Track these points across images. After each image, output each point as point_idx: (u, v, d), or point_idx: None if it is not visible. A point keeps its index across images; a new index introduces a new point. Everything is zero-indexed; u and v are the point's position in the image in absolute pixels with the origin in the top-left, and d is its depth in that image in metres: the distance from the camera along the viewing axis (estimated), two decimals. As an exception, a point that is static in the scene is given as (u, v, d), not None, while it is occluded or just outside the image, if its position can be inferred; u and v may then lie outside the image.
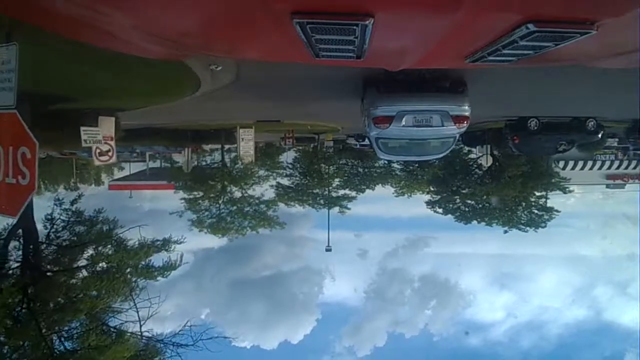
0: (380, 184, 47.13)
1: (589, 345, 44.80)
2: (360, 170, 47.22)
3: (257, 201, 31.91)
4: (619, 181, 57.09)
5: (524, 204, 37.31)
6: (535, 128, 22.36)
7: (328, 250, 39.70)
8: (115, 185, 49.89)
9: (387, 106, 9.22)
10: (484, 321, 47.87)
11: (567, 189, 38.49)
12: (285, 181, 40.18)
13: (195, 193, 30.14)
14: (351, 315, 55.25)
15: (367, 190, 42.98)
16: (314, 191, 39.09)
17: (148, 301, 13.79)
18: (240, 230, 31.16)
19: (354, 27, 2.48)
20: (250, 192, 32.26)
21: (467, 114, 9.32)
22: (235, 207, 31.18)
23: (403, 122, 9.30)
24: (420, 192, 48.85)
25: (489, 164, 32.33)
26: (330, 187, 40.20)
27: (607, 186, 58.59)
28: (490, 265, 49.83)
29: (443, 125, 9.28)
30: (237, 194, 31.61)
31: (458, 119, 9.25)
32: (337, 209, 39.11)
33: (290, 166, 42.47)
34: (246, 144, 28.87)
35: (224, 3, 2.59)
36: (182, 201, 30.61)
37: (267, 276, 51.39)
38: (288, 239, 50.56)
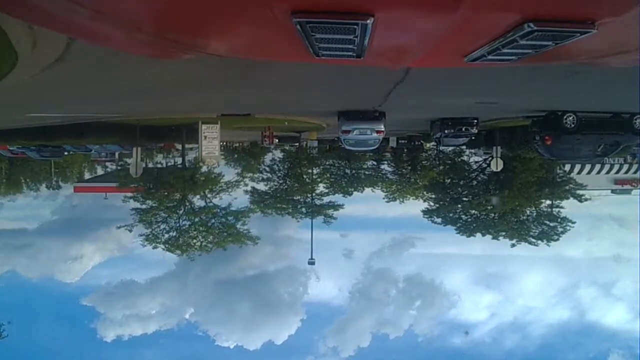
0: (369, 187, 45.03)
1: (573, 346, 43.70)
2: (348, 171, 45.25)
3: (224, 211, 26.72)
4: (627, 186, 53.17)
5: (535, 214, 32.60)
6: (572, 126, 17.48)
7: (311, 263, 35.44)
8: (80, 188, 45.99)
9: (347, 126, 17.54)
10: (469, 321, 46.90)
11: (583, 197, 33.85)
12: (262, 186, 35.03)
13: (149, 202, 24.95)
14: (336, 316, 54.66)
15: (355, 193, 41.89)
16: (295, 198, 33.91)
17: None
18: (205, 247, 26.01)
19: (354, 27, 2.40)
20: (217, 200, 27.09)
21: (382, 129, 17.27)
22: (198, 219, 25.97)
23: (354, 133, 17.61)
24: (414, 197, 44.88)
25: (499, 169, 27.53)
26: (314, 193, 35.11)
27: (613, 191, 54.86)
28: (475, 266, 49.33)
29: (371, 134, 17.47)
30: (201, 203, 26.48)
31: (378, 132, 17.37)
32: (321, 218, 33.97)
33: (267, 169, 37.26)
34: (210, 143, 23.80)
35: (222, 2, 2.45)
36: (133, 212, 25.43)
37: (251, 276, 49.85)
38: (264, 252, 47.79)
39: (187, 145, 26.64)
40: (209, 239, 25.94)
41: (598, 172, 50.59)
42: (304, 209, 33.88)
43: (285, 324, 45.86)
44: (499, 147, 27.87)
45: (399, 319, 48.89)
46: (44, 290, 48.86)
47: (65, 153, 36.72)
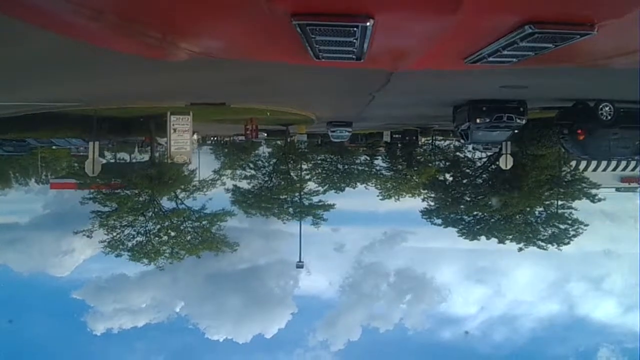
0: (362, 184, 43.66)
1: (563, 340, 43.85)
2: (340, 166, 44.14)
3: (197, 214, 23.46)
4: (633, 184, 50.33)
5: (544, 215, 29.67)
6: (609, 118, 14.50)
7: (299, 266, 32.99)
8: (56, 184, 42.83)
9: (334, 129, 26.59)
10: (459, 315, 46.92)
11: (596, 197, 30.98)
12: (245, 184, 31.74)
13: (112, 204, 21.72)
14: (326, 309, 52.71)
15: (348, 189, 41.43)
16: (282, 197, 30.68)
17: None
18: (176, 255, 22.81)
19: (354, 29, 2.50)
20: (191, 201, 23.85)
21: (351, 130, 26.83)
22: (167, 223, 22.74)
23: (336, 131, 26.86)
24: (411, 195, 42.11)
25: (508, 167, 24.53)
26: (303, 192, 31.94)
27: (618, 189, 52.18)
28: (466, 260, 47.47)
29: (344, 133, 27.27)
30: (171, 205, 23.24)
31: (348, 131, 26.99)
32: (310, 219, 30.83)
33: (251, 165, 33.98)
34: (180, 137, 20.56)
35: (224, 4, 2.57)
36: (93, 216, 22.14)
37: (242, 269, 47.81)
38: (251, 250, 45.18)
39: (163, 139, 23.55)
40: (181, 246, 22.74)
41: (604, 169, 47.75)
42: (291, 209, 30.75)
43: (276, 317, 44.97)
44: (509, 143, 24.79)
45: (390, 312, 48.09)
46: (35, 283, 46.98)
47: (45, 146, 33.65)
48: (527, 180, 25.82)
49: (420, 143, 43.81)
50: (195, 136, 42.12)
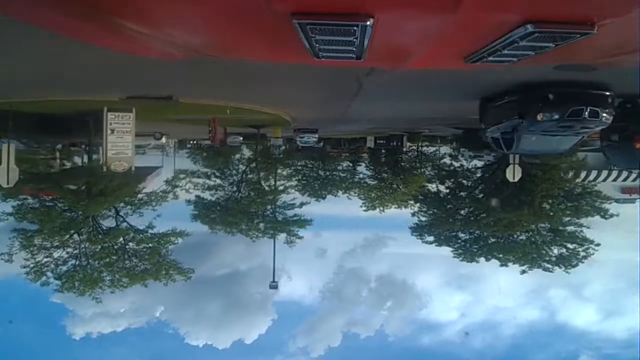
0: (344, 193, 42.22)
1: (543, 346, 43.79)
2: (321, 173, 43.12)
3: (144, 234, 19.24)
4: (634, 195, 47.48)
5: (552, 233, 26.01)
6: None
7: (273, 287, 29.60)
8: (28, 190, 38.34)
9: (301, 135, 27.13)
10: (439, 321, 47.72)
11: (608, 213, 27.45)
12: (207, 195, 27.51)
13: (36, 220, 17.43)
14: (306, 315, 54.53)
15: (329, 196, 40.65)
16: (252, 210, 26.53)
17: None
18: (117, 284, 18.60)
19: (354, 28, 2.49)
20: (133, 218, 19.61)
21: (316, 136, 28.11)
22: (107, 244, 18.49)
23: (304, 137, 27.42)
24: (397, 206, 39.03)
25: (516, 178, 20.88)
26: (277, 204, 27.85)
27: (617, 200, 49.30)
28: (446, 266, 47.06)
29: (311, 139, 27.90)
30: (110, 223, 19.01)
31: (314, 138, 28.03)
32: (284, 235, 26.75)
33: (217, 173, 29.76)
34: (119, 139, 16.67)
35: (224, 3, 2.59)
36: (13, 235, 17.76)
37: (222, 275, 49.41)
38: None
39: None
40: (123, 273, 18.53)
41: (604, 179, 44.83)
42: (262, 225, 26.66)
43: (256, 323, 45.21)
44: (516, 150, 21.12)
45: (370, 318, 48.75)
46: (12, 287, 45.82)
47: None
48: (537, 195, 22.07)
49: (404, 149, 41.94)
50: (164, 139, 38.18)
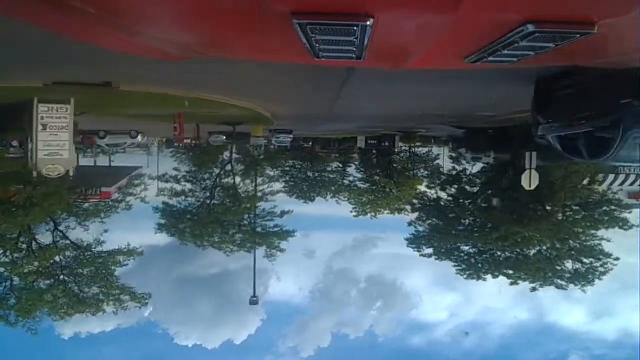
0: (333, 197, 41.40)
1: (533, 346, 43.39)
2: (310, 174, 42.57)
3: (88, 253, 15.86)
4: (642, 200, 44.99)
5: (568, 247, 23.01)
6: None
7: (253, 302, 27.41)
8: None
9: (278, 135, 27.24)
10: (429, 321, 47.97)
11: (628, 224, 24.55)
12: (173, 202, 24.16)
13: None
14: (296, 315, 54.77)
15: (319, 198, 40.56)
16: (225, 220, 23.19)
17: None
18: (58, 309, 15.26)
19: (354, 28, 2.45)
20: (78, 231, 16.25)
21: (291, 136, 28.32)
22: (45, 262, 15.07)
23: (279, 137, 27.42)
24: (389, 211, 36.88)
25: (533, 186, 17.87)
26: (255, 212, 24.53)
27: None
28: (436, 267, 45.41)
29: (286, 139, 28.09)
30: (47, 239, 15.64)
31: (289, 138, 28.16)
32: (264, 249, 23.44)
33: (188, 176, 26.42)
34: (53, 137, 13.80)
35: (224, 3, 2.55)
36: None
37: (211, 274, 47.77)
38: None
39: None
40: (67, 298, 15.19)
41: (611, 184, 42.12)
42: (238, 236, 23.38)
43: (245, 323, 44.45)
44: (533, 154, 18.03)
45: (360, 319, 48.72)
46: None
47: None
48: (556, 205, 19.04)
49: (396, 150, 39.67)
50: (139, 138, 34.86)
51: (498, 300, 44.83)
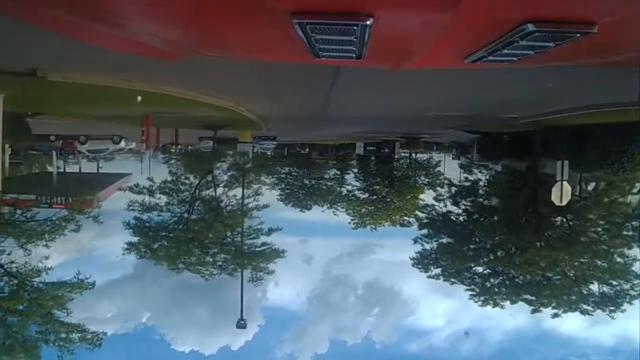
0: (330, 207, 39.78)
1: (530, 352, 40.86)
2: (307, 182, 41.96)
3: (29, 288, 12.94)
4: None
5: (597, 268, 20.21)
6: None
7: (241, 326, 25.21)
8: None
9: (262, 142, 28.81)
10: (426, 328, 46.18)
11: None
12: (149, 217, 21.38)
13: None
14: (293, 322, 50.88)
15: (316, 207, 39.96)
16: (205, 240, 20.33)
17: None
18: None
19: (354, 27, 2.42)
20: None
21: (275, 143, 30.48)
22: None
23: (264, 144, 29.33)
24: (391, 224, 35.83)
25: (565, 202, 15.04)
26: (240, 231, 21.69)
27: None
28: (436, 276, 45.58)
29: (270, 145, 30.54)
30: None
31: (273, 144, 30.31)
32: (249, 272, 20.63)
33: (164, 188, 23.62)
34: None
35: (224, 3, 2.52)
36: None
37: (209, 281, 45.75)
38: None
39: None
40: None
41: None
42: (220, 257, 20.57)
43: (242, 329, 42.91)
44: (566, 163, 15.25)
45: (357, 325, 46.98)
46: None
47: None
48: (591, 223, 16.23)
49: (396, 156, 39.16)
50: (123, 143, 32.31)
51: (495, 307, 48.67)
